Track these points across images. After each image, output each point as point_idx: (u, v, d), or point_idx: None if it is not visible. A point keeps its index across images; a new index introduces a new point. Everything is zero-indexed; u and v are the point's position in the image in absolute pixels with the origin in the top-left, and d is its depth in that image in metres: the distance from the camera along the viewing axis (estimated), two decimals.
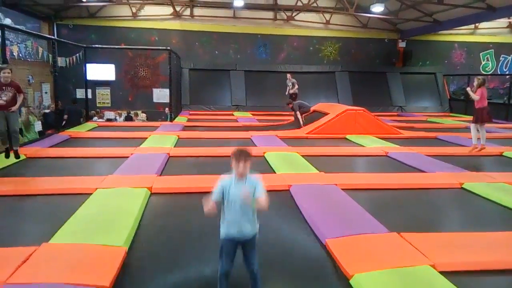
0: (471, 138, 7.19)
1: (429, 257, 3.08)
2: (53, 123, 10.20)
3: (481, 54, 19.59)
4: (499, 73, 19.69)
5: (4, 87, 5.58)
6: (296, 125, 10.84)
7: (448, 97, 18.19)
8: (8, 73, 5.68)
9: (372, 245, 3.34)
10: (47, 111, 12.30)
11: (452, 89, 19.09)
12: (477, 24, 18.49)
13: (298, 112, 10.84)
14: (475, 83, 6.99)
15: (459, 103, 17.46)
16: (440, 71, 18.47)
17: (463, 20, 15.29)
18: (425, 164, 6.52)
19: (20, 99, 5.79)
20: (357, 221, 3.89)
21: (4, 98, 5.57)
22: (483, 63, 19.68)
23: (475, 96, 6.84)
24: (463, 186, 5.34)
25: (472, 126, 7.07)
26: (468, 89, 7.19)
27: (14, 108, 5.67)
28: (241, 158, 2.51)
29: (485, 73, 19.55)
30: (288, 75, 14.17)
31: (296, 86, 13.80)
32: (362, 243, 3.37)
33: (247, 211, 2.55)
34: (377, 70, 18.26)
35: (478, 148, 7.09)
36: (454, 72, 19.16)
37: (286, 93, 13.89)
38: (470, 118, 14.09)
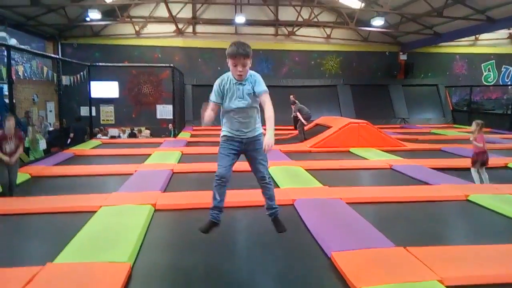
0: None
1: (436, 271, 3.04)
2: (58, 141, 10.26)
3: (482, 65, 19.67)
4: (501, 83, 19.73)
5: (9, 138, 5.40)
6: (299, 138, 10.85)
7: (451, 108, 18.20)
8: (12, 122, 5.48)
9: (378, 259, 3.30)
10: (50, 129, 12.40)
11: (454, 101, 19.11)
12: (477, 36, 18.62)
13: (300, 117, 10.78)
14: (473, 128, 6.76)
15: (462, 114, 17.47)
16: (442, 82, 18.54)
17: (463, 32, 15.41)
18: (430, 177, 6.48)
19: (20, 149, 5.58)
20: (363, 235, 3.86)
21: (8, 151, 5.38)
22: (484, 74, 19.74)
23: (478, 144, 6.59)
24: (468, 198, 5.29)
25: (472, 170, 6.65)
26: (471, 138, 6.81)
27: (14, 160, 5.43)
28: (239, 56, 2.25)
29: (487, 83, 19.62)
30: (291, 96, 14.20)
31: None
32: (368, 257, 3.33)
33: (249, 111, 2.38)
34: (379, 83, 18.35)
35: None
36: (456, 83, 19.22)
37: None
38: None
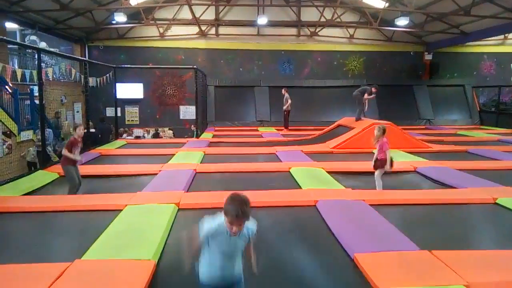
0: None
1: (463, 276, 2.98)
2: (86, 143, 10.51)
3: (511, 64, 19.04)
4: None
5: (78, 143, 5.94)
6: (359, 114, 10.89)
7: (478, 109, 17.70)
8: (83, 129, 6.14)
9: (403, 262, 3.26)
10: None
11: (482, 101, 18.57)
12: (506, 35, 18.04)
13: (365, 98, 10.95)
14: (375, 133, 6.23)
15: (490, 115, 16.97)
16: (469, 83, 18.05)
17: (491, 31, 14.96)
18: (456, 179, 6.33)
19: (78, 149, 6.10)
20: (386, 237, 3.81)
21: (78, 155, 5.97)
22: None
23: (383, 150, 6.09)
24: (496, 201, 5.15)
25: (376, 174, 6.14)
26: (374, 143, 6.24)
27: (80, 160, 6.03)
28: (238, 221, 2.12)
29: None
30: (283, 90, 14.35)
31: (289, 102, 13.95)
32: (392, 260, 3.30)
33: (236, 258, 2.25)
34: (403, 83, 18.02)
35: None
36: (484, 84, 18.67)
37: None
38: (502, 130, 13.66)
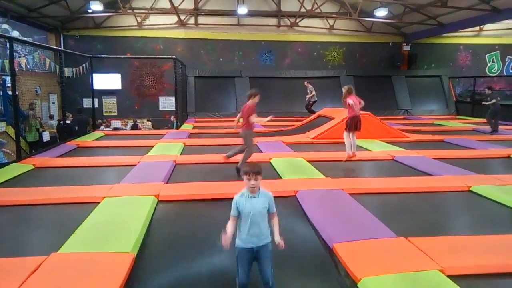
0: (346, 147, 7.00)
1: (437, 261, 3.06)
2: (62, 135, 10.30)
3: (486, 55, 19.52)
4: (505, 74, 19.58)
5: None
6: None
7: (454, 99, 18.10)
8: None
9: (380, 249, 3.32)
10: (52, 122, 12.46)
11: (458, 92, 19.00)
12: (482, 26, 18.44)
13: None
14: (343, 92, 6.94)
15: (466, 105, 17.37)
16: (446, 73, 18.41)
17: (468, 22, 15.26)
18: (432, 167, 6.48)
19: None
20: (365, 226, 3.87)
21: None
22: (488, 64, 19.60)
23: (350, 103, 6.76)
24: (471, 189, 5.30)
25: (345, 134, 6.93)
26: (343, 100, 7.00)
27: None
28: (252, 174, 2.61)
29: (491, 74, 19.47)
30: (305, 82, 14.37)
31: (313, 92, 13.93)
32: (370, 248, 3.35)
33: (260, 222, 2.64)
34: (382, 74, 18.24)
35: (351, 156, 6.91)
36: (460, 74, 19.09)
37: (306, 99, 14.08)
38: (477, 120, 14.04)
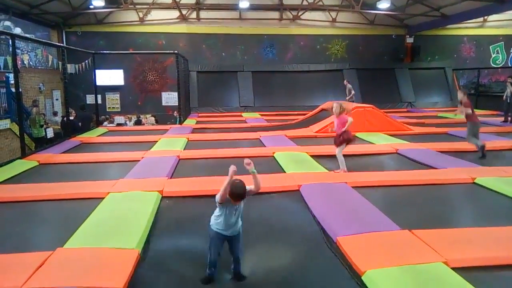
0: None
1: (442, 253, 3.06)
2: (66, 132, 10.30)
3: (491, 47, 19.34)
4: (509, 65, 19.41)
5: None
6: None
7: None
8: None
9: (384, 242, 3.33)
10: (56, 118, 12.48)
11: (462, 83, 18.86)
12: (486, 17, 18.26)
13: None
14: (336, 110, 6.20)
15: (470, 97, 17.20)
16: (450, 65, 18.27)
17: (471, 13, 15.11)
18: (436, 160, 6.46)
19: None
20: (368, 219, 3.87)
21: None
22: (493, 56, 19.43)
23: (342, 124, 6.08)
24: (475, 181, 5.28)
25: (337, 150, 6.03)
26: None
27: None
28: (240, 200, 2.89)
29: (495, 66, 19.31)
30: (345, 81, 14.41)
31: (353, 92, 13.89)
32: (374, 241, 3.36)
33: (238, 217, 2.95)
34: (385, 67, 18.14)
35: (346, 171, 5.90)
36: (464, 66, 18.94)
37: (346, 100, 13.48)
38: (481, 112, 13.95)
